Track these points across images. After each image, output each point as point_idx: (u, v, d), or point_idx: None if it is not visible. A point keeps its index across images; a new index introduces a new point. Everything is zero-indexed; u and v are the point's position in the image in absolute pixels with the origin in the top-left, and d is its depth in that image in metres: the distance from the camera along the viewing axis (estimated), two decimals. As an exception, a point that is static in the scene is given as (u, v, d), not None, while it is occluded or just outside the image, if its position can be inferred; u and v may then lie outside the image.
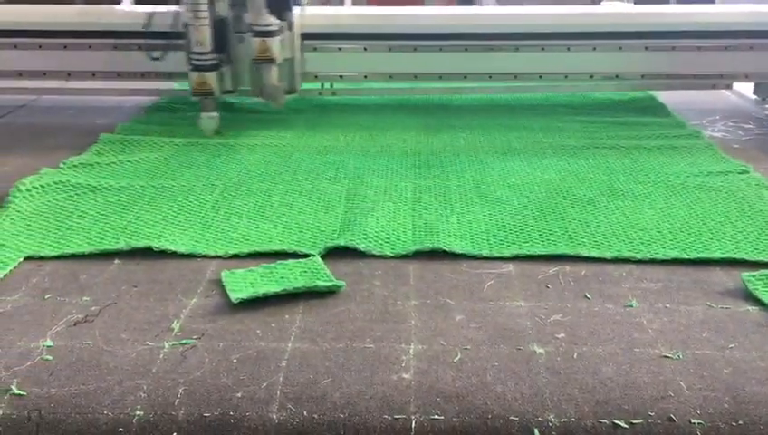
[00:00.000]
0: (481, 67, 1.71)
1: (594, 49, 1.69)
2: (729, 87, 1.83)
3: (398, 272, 0.96)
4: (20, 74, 1.73)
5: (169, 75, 1.70)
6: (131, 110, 1.78)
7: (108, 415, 0.69)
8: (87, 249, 1.01)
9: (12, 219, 1.10)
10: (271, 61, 1.49)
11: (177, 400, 0.70)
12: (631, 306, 0.88)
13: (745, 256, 0.99)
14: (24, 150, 1.49)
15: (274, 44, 1.48)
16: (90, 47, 1.69)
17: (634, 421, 0.68)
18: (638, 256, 1.00)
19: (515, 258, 1.00)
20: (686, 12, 1.78)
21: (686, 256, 0.99)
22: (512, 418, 0.68)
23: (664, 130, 1.58)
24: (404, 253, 1.01)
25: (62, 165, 1.34)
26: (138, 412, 0.69)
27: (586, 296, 0.90)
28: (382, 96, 1.85)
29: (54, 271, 0.96)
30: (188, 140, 1.50)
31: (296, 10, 1.58)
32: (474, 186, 1.25)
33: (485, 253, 1.01)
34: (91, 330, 0.82)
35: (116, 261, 0.99)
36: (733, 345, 0.79)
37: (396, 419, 0.68)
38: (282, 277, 0.93)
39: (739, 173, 1.30)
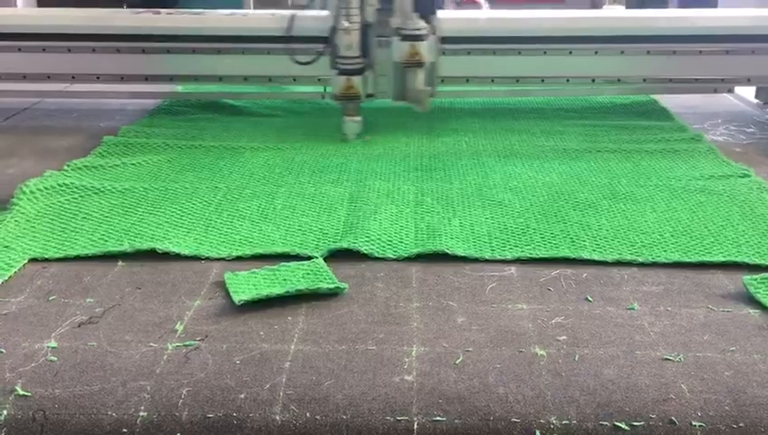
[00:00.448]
0: (483, 71, 1.71)
1: (596, 53, 1.70)
2: (731, 91, 1.84)
3: (400, 274, 0.97)
4: (24, 77, 1.74)
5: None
6: (135, 113, 1.78)
7: (112, 416, 0.69)
8: (91, 251, 1.02)
9: (16, 221, 1.11)
10: (419, 64, 1.48)
11: (181, 401, 0.71)
12: (633, 309, 0.88)
13: (746, 260, 0.99)
14: (28, 153, 1.50)
15: (423, 48, 1.47)
16: (93, 50, 1.70)
17: (635, 423, 0.68)
18: (640, 259, 1.00)
19: (517, 261, 1.00)
20: (687, 16, 1.78)
21: (688, 260, 1.00)
22: (513, 419, 0.69)
23: (665, 133, 1.58)
24: (406, 255, 1.01)
25: (66, 167, 1.35)
26: (141, 413, 0.69)
27: (587, 299, 0.90)
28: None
29: (59, 273, 0.97)
30: (191, 143, 1.51)
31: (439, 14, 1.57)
32: (476, 189, 1.26)
33: (487, 256, 1.01)
34: (96, 331, 0.83)
35: (120, 263, 1.00)
36: (734, 348, 0.79)
37: (398, 420, 0.69)
38: (285, 279, 0.93)
39: (740, 177, 1.31)
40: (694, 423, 0.68)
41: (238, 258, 1.01)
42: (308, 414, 0.69)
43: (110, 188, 1.24)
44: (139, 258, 1.01)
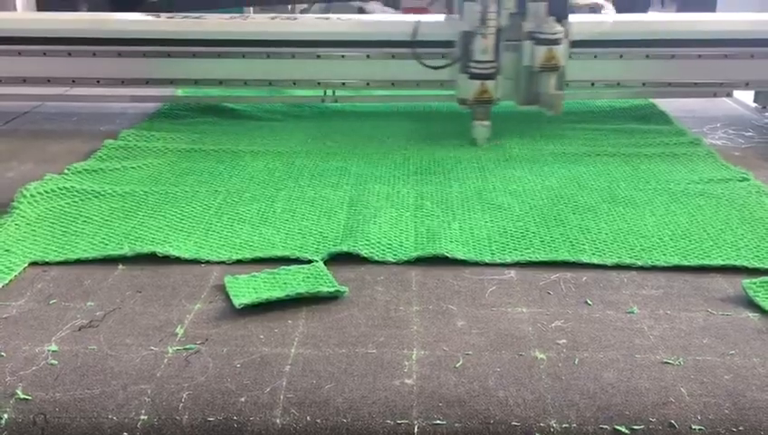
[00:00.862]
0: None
1: (595, 57, 1.70)
2: (729, 95, 1.84)
3: (400, 278, 0.97)
4: (24, 81, 1.74)
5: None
6: (135, 116, 1.79)
7: (112, 419, 0.69)
8: (91, 255, 1.02)
9: (17, 225, 1.11)
10: (555, 69, 1.47)
11: (182, 404, 0.71)
12: (632, 313, 0.88)
13: (746, 263, 0.99)
14: (29, 157, 1.50)
15: (560, 52, 1.46)
16: (94, 54, 1.70)
17: (635, 427, 0.68)
18: (639, 263, 1.00)
19: (517, 265, 1.00)
20: (686, 20, 1.79)
21: (687, 263, 1.00)
22: (513, 423, 0.69)
23: (665, 137, 1.59)
24: (406, 259, 1.01)
25: (66, 171, 1.35)
26: (142, 417, 0.69)
27: (587, 303, 0.91)
28: (385, 103, 1.86)
29: (59, 276, 0.97)
30: (192, 147, 1.51)
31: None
32: (475, 193, 1.26)
33: (487, 259, 1.01)
34: (96, 335, 0.83)
35: (120, 266, 1.00)
36: (733, 352, 0.80)
37: (398, 423, 0.69)
38: (285, 283, 0.93)
39: (739, 181, 1.31)
40: (693, 427, 0.68)
41: (238, 262, 1.01)
42: (308, 418, 0.69)
43: (110, 191, 1.24)
44: (140, 262, 1.01)
